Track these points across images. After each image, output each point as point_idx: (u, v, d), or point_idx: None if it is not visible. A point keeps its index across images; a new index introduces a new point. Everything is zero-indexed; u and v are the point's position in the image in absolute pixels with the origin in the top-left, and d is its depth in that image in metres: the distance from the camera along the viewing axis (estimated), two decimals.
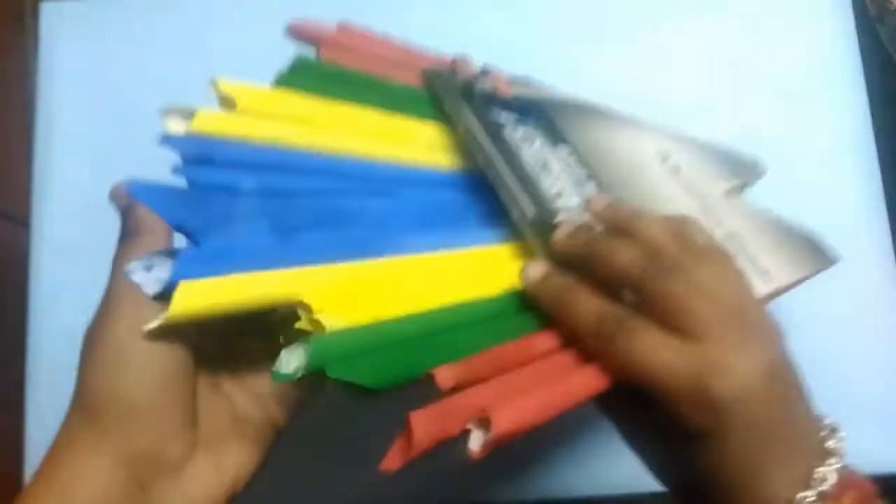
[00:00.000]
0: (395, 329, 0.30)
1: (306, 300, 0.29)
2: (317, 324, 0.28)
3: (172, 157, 0.56)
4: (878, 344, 0.53)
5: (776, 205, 0.54)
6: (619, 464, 0.51)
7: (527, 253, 0.36)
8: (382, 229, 0.34)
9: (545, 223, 0.36)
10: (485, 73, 0.45)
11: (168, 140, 0.34)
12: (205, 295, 0.28)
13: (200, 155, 0.34)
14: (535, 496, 0.50)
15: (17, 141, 0.71)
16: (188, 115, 0.35)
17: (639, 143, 0.44)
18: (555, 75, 0.56)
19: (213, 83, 0.36)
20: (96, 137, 0.55)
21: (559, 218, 0.36)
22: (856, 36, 0.57)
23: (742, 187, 0.46)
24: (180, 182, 0.33)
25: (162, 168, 0.54)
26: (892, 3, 0.57)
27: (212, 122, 0.35)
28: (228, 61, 0.56)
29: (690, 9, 0.57)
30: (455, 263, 0.35)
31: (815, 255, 0.45)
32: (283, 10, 0.57)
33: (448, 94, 0.42)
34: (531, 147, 0.40)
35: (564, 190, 0.38)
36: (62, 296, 0.52)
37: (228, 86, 0.36)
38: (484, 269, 0.36)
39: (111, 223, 0.53)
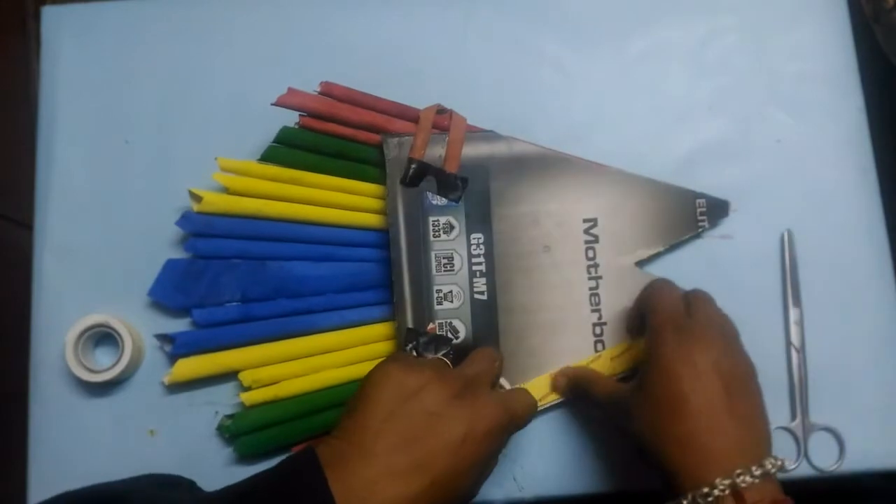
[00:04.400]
0: (288, 408, 0.49)
1: (243, 378, 0.49)
2: (245, 398, 0.49)
3: (171, 158, 0.56)
4: (879, 344, 0.52)
5: (774, 205, 0.54)
6: (616, 463, 0.51)
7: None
8: (321, 292, 0.51)
9: (416, 337, 0.50)
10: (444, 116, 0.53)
11: (183, 220, 0.51)
12: (190, 367, 0.50)
13: (203, 229, 0.51)
14: (534, 496, 0.50)
15: (20, 144, 0.71)
16: (198, 198, 0.50)
17: (569, 210, 0.52)
18: (547, 80, 0.56)
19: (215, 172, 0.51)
20: (98, 140, 0.55)
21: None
22: (851, 35, 0.57)
23: (673, 246, 0.53)
24: (188, 251, 0.51)
25: (162, 170, 0.55)
26: (888, 2, 0.57)
27: (213, 202, 0.50)
28: (228, 63, 0.57)
29: (683, 11, 0.57)
30: (352, 338, 0.51)
31: None
32: (279, 13, 0.58)
33: (391, 167, 0.51)
34: (448, 236, 0.51)
35: (451, 292, 0.50)
36: (64, 296, 0.53)
37: (222, 175, 0.51)
38: (367, 348, 0.51)
39: (111, 225, 0.54)
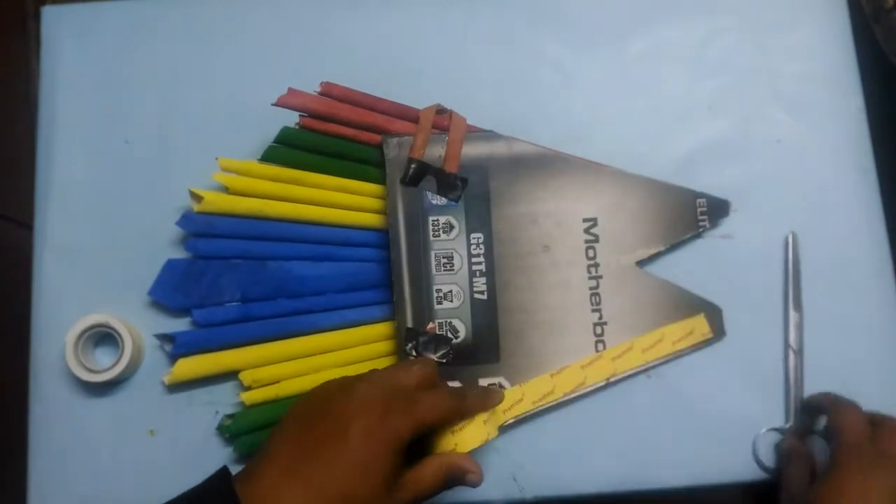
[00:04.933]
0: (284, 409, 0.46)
1: (244, 378, 0.49)
2: (245, 397, 0.49)
3: (171, 158, 0.56)
4: (879, 345, 0.52)
5: (774, 205, 0.54)
6: (616, 463, 0.51)
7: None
8: (321, 292, 0.51)
9: (416, 336, 0.50)
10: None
11: (184, 219, 0.51)
12: (190, 367, 0.50)
13: (203, 229, 0.51)
14: (535, 496, 0.50)
15: (20, 144, 0.71)
16: (198, 198, 0.50)
17: (569, 210, 0.52)
18: (547, 80, 0.56)
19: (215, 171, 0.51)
20: (98, 140, 0.55)
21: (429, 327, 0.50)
22: (851, 35, 0.57)
23: (676, 244, 0.53)
24: (188, 251, 0.51)
25: (162, 170, 0.55)
26: (888, 2, 0.57)
27: (214, 202, 0.50)
28: (227, 63, 0.57)
29: (683, 11, 0.57)
30: (352, 338, 0.51)
31: (708, 325, 0.52)
32: (279, 13, 0.58)
33: (391, 167, 0.51)
34: (447, 235, 0.51)
35: (451, 292, 0.50)
36: (64, 296, 0.53)
37: (222, 175, 0.51)
38: (367, 348, 0.51)
39: (111, 225, 0.54)
